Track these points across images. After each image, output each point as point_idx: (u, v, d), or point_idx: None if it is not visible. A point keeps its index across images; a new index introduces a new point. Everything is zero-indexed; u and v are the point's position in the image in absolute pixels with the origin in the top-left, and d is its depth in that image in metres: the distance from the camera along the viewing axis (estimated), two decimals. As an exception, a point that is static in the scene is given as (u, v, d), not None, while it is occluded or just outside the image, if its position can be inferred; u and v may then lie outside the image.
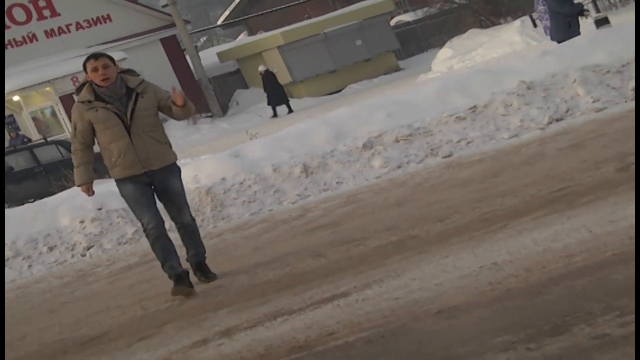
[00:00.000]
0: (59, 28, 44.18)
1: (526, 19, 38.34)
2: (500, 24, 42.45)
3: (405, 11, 56.21)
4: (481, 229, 8.99)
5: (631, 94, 13.79)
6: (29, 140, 35.25)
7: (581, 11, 18.36)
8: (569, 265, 7.14)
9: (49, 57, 42.49)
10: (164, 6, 47.95)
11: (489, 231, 8.82)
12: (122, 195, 9.14)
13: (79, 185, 9.16)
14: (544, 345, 5.73)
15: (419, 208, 10.95)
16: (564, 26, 17.88)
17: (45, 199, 16.40)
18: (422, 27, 52.00)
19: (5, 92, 40.48)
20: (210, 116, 43.93)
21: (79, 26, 44.27)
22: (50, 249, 13.90)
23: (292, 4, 58.41)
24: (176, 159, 9.34)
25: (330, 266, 9.27)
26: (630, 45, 14.69)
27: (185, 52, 47.43)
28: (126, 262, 12.45)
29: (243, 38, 58.53)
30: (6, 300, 12.25)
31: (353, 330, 7.00)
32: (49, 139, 34.40)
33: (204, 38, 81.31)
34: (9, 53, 42.33)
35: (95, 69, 8.56)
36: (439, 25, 49.06)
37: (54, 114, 41.18)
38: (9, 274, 13.46)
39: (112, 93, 8.66)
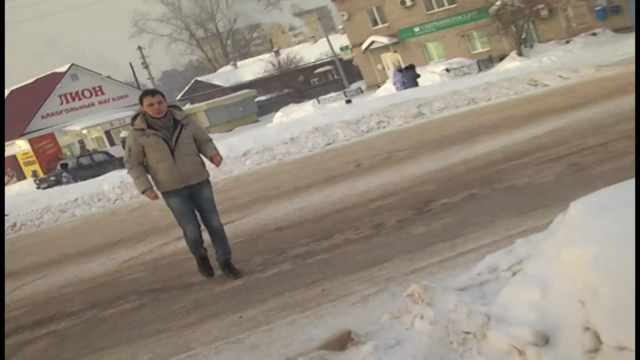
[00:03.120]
0: (105, 100, 42.60)
1: (315, 100, 38.63)
2: (304, 102, 42.61)
3: (262, 94, 55.70)
4: (296, 192, 8.96)
5: (362, 133, 13.96)
6: (89, 150, 34.05)
7: (418, 76, 19.53)
8: (333, 208, 7.17)
9: (99, 113, 41.30)
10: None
11: (299, 194, 8.80)
12: (169, 206, 5.79)
13: (142, 192, 5.62)
14: (322, 243, 5.74)
15: (267, 182, 10.84)
16: (414, 81, 19.07)
17: (96, 178, 15.89)
18: (269, 102, 51.43)
19: (79, 128, 39.21)
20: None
21: (114, 99, 42.79)
22: (99, 199, 13.36)
23: (210, 91, 58.06)
24: (209, 176, 5.98)
25: (228, 208, 9.10)
26: (362, 111, 14.88)
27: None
28: (133, 207, 12.03)
29: (189, 106, 57.19)
30: (81, 223, 11.73)
31: (239, 237, 6.90)
32: (99, 150, 33.55)
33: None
34: (81, 112, 41.18)
35: (151, 104, 5.53)
36: (276, 101, 48.80)
37: (101, 139, 39.97)
38: (79, 212, 12.90)
39: (162, 123, 5.63)
